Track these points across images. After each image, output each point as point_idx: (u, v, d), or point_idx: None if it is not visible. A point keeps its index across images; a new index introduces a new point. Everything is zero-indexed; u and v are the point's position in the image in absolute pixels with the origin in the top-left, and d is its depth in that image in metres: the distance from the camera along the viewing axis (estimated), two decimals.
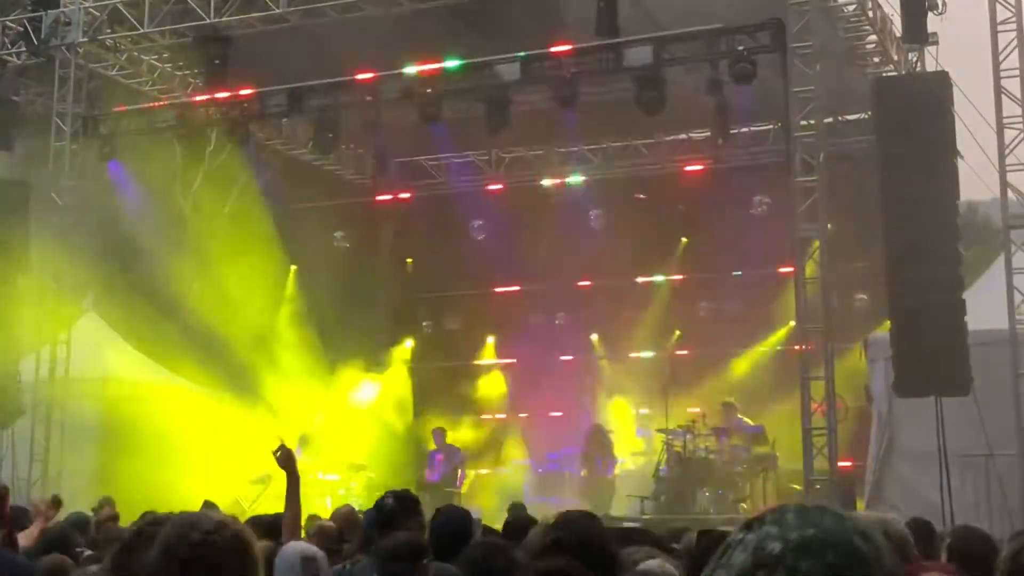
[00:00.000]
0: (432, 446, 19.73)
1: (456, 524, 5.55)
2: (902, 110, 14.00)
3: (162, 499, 14.42)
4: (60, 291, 18.01)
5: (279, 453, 6.50)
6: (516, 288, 21.69)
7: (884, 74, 16.92)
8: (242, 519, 7.06)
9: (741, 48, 15.06)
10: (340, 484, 18.17)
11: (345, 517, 8.32)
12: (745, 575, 1.50)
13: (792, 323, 16.78)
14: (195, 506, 10.47)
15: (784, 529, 1.52)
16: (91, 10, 17.79)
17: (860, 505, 15.92)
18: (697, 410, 18.01)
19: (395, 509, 5.43)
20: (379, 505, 5.72)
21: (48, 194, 18.03)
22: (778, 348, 19.99)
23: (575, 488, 18.76)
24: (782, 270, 16.90)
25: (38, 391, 17.51)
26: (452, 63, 16.54)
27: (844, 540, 1.51)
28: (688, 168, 21.25)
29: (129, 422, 18.05)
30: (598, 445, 18.66)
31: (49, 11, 17.80)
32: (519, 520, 6.53)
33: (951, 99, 13.99)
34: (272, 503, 16.34)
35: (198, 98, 18.44)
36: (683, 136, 21.39)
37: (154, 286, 21.41)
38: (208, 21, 16.84)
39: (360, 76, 17.05)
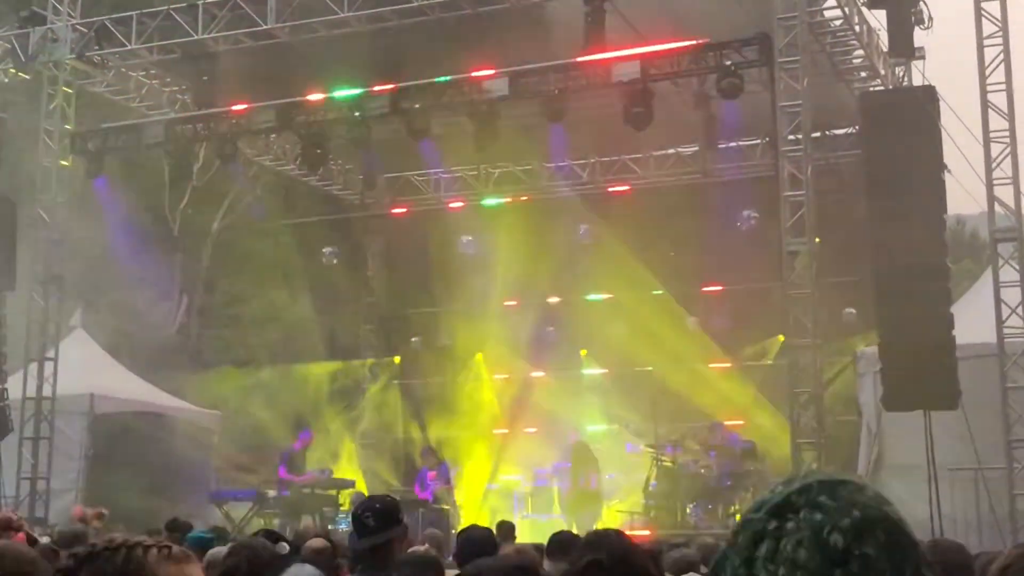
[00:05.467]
0: (422, 463, 19.62)
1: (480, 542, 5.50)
2: (889, 124, 14.02)
3: (150, 516, 14.40)
4: (47, 308, 17.95)
5: None
6: (505, 303, 21.65)
7: (871, 88, 16.97)
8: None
9: (728, 63, 15.11)
10: (328, 501, 18.07)
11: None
12: (822, 574, 1.40)
13: (781, 337, 16.78)
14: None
15: (831, 516, 1.41)
16: (79, 27, 17.77)
17: None
18: (686, 424, 17.99)
19: (375, 526, 5.28)
20: (356, 519, 5.41)
21: (35, 211, 17.99)
22: (767, 362, 19.98)
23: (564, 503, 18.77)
24: (770, 284, 16.89)
25: (25, 409, 17.41)
26: (440, 79, 16.58)
27: (883, 513, 1.44)
28: (677, 184, 21.29)
29: (117, 440, 17.98)
30: (582, 460, 18.65)
31: (36, 28, 17.78)
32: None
33: (938, 113, 14.03)
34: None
35: (186, 114, 18.40)
36: (671, 151, 21.39)
37: (144, 302, 21.37)
38: (196, 37, 16.83)
39: (347, 92, 17.07)
